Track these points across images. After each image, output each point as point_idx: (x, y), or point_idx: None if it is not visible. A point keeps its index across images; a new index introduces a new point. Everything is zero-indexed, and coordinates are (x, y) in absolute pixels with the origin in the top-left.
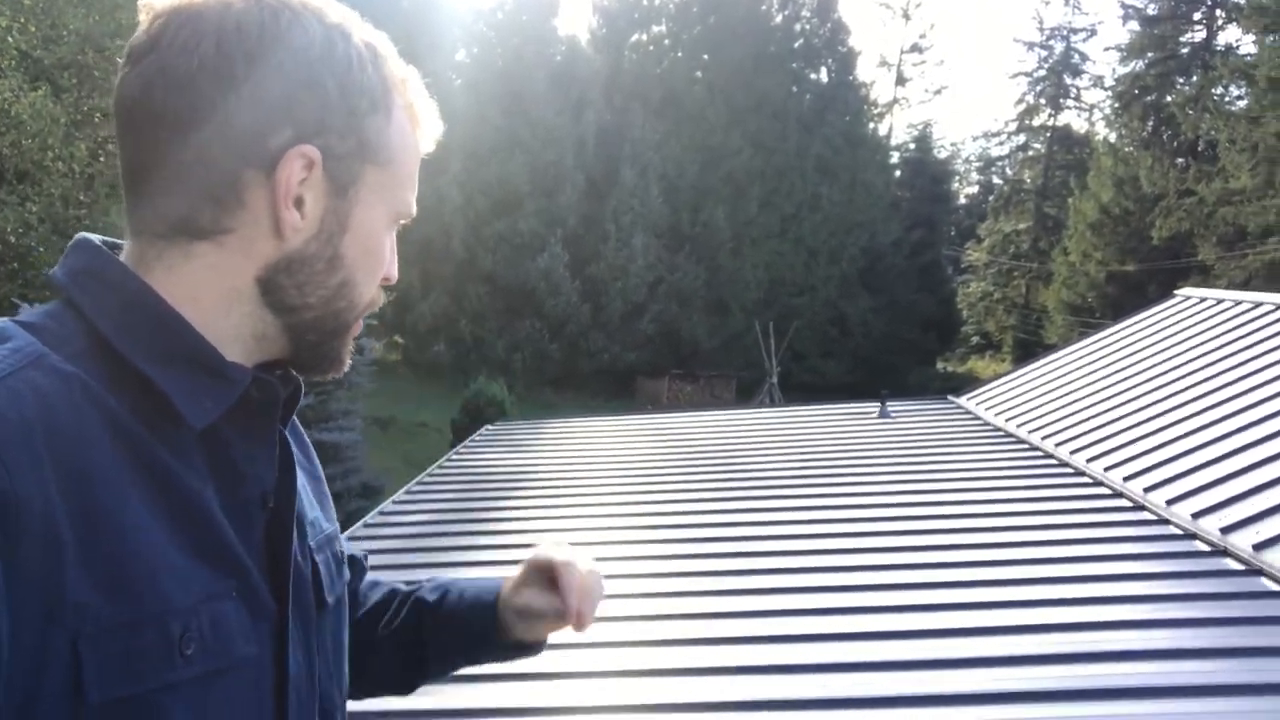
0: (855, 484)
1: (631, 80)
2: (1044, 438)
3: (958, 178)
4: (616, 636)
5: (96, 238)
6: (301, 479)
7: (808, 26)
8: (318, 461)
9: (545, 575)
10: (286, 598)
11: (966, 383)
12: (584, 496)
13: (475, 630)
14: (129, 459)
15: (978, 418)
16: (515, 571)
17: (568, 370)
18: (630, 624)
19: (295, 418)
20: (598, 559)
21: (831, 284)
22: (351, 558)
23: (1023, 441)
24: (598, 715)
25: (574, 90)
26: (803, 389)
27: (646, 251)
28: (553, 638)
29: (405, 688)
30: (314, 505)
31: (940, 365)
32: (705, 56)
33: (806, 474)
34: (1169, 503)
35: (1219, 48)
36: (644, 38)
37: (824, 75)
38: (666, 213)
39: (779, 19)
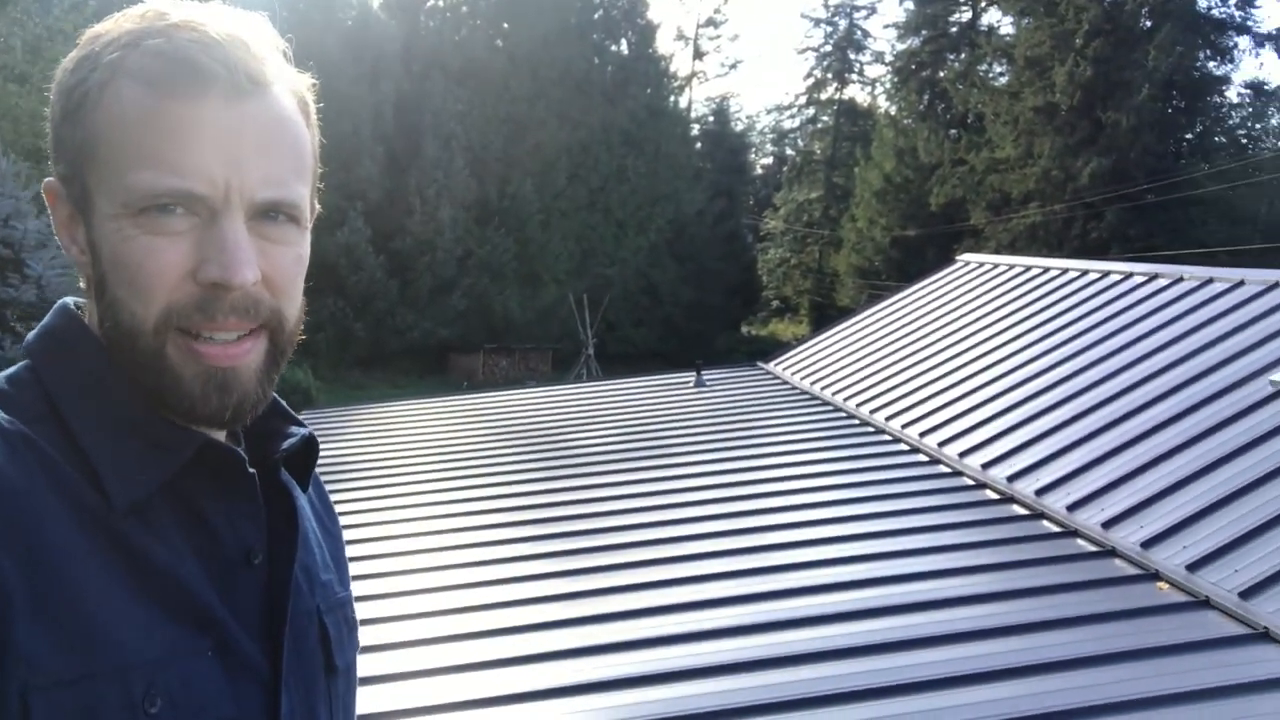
0: (677, 454)
1: (429, 48)
2: (846, 398)
3: (754, 149)
4: (448, 630)
5: (75, 301)
6: (317, 539)
7: None
8: (339, 524)
9: None
10: (280, 657)
11: (769, 345)
12: (405, 486)
13: None
14: (81, 519)
15: (785, 382)
16: None
17: (376, 349)
18: (464, 616)
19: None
20: (423, 551)
21: (641, 254)
22: None
23: (827, 403)
24: (435, 715)
25: (368, 57)
26: (617, 358)
27: (455, 224)
28: (376, 638)
29: None
30: (329, 567)
31: (744, 329)
32: (505, 25)
33: (629, 447)
34: (961, 455)
35: (983, 28)
36: (440, 3)
37: (624, 48)
38: (473, 185)
39: None
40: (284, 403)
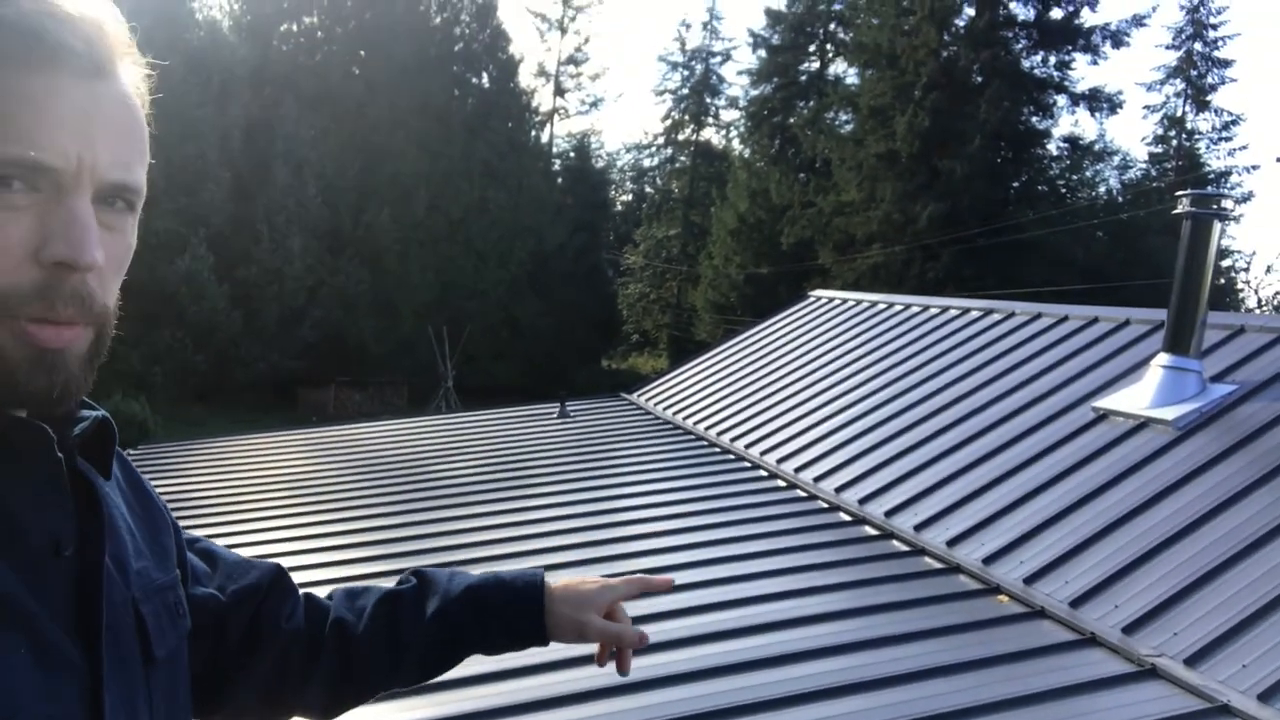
0: (542, 484)
1: (282, 72)
2: (707, 427)
3: (614, 186)
4: None
5: None
6: (128, 526)
7: (467, 31)
8: (161, 508)
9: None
10: (99, 651)
11: (629, 378)
12: (254, 522)
13: (519, 626)
14: None
15: (648, 412)
16: (577, 585)
17: (218, 382)
18: None
19: (118, 461)
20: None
21: (501, 287)
22: (274, 580)
23: (689, 432)
24: None
25: (216, 79)
26: (477, 392)
27: (305, 254)
28: None
29: (395, 684)
30: (142, 554)
31: (605, 363)
32: (362, 53)
33: (494, 478)
34: (816, 480)
35: (830, 77)
36: (294, 28)
37: (485, 81)
38: (326, 214)
39: (438, 20)
40: None
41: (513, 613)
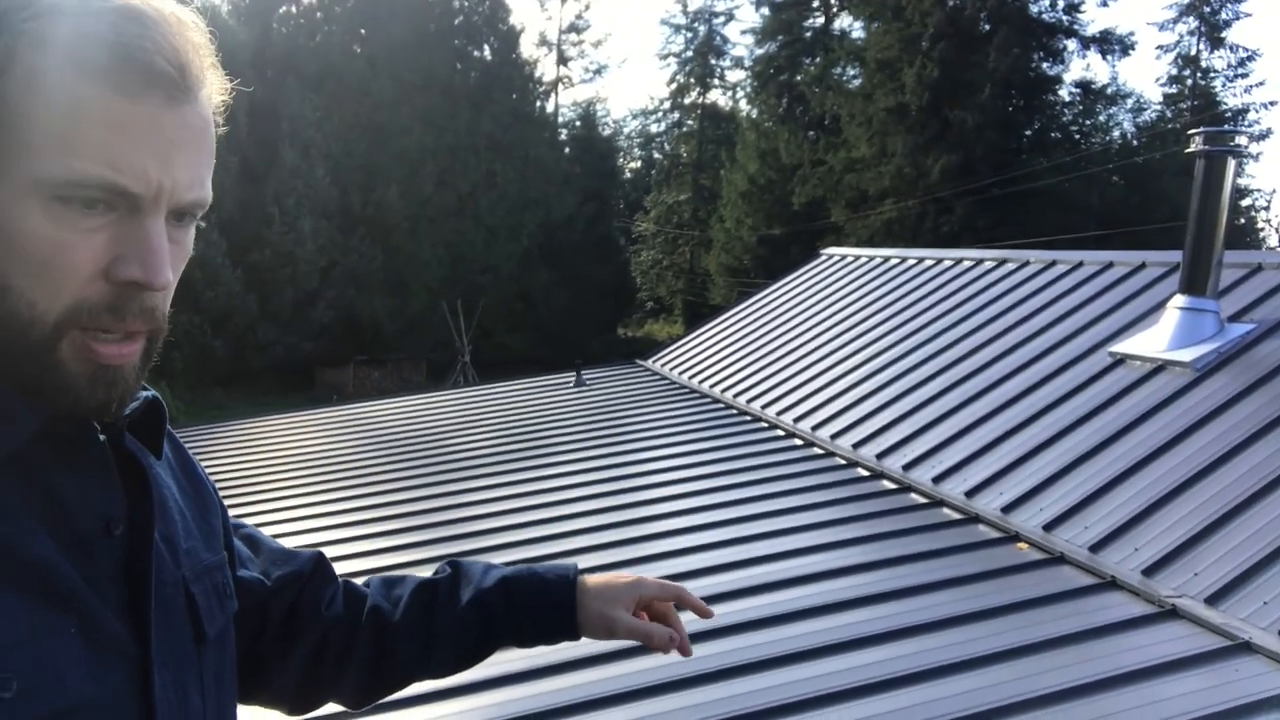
0: (559, 452)
1: (283, 54)
2: (724, 390)
3: (622, 153)
4: None
5: None
6: (178, 506)
7: (466, 3)
8: (210, 488)
9: (636, 603)
10: (149, 631)
11: (645, 345)
12: (278, 500)
13: (550, 619)
14: None
15: (664, 377)
16: (606, 581)
17: (236, 367)
18: None
19: (170, 441)
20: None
21: (513, 260)
22: (315, 567)
23: (706, 395)
24: None
25: (217, 63)
26: (493, 365)
27: (316, 235)
28: None
29: (424, 676)
30: (191, 534)
31: (620, 331)
32: (362, 31)
33: (512, 449)
34: (832, 437)
35: (836, 32)
36: (293, 9)
37: (487, 53)
38: (335, 194)
39: None
40: None
41: (544, 605)
